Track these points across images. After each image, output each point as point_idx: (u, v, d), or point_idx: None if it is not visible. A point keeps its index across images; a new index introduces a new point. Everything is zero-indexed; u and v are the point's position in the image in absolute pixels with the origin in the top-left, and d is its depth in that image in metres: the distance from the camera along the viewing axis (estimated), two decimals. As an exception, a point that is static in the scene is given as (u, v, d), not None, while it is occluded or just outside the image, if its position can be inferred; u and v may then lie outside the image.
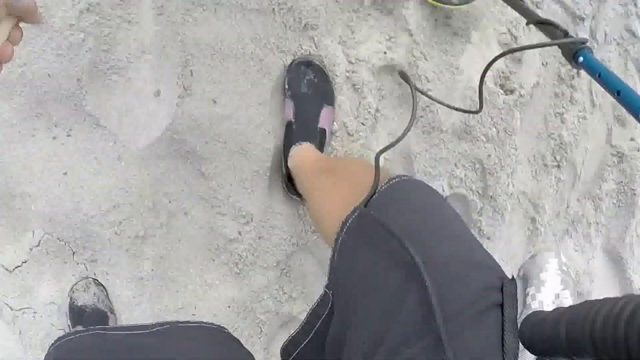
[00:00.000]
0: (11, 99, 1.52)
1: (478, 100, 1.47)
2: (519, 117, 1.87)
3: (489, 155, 1.84)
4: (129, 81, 1.58)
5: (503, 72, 1.81)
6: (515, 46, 1.81)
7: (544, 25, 1.15)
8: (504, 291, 0.68)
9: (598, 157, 2.14)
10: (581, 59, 1.03)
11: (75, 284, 1.61)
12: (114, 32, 1.52)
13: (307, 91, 1.56)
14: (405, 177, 0.91)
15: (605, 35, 2.02)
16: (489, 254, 0.77)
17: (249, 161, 1.64)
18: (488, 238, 1.97)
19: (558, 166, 2.02)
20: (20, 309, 1.63)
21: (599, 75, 0.97)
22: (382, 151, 1.04)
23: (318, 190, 1.24)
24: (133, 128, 1.60)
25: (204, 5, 1.54)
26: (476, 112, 1.55)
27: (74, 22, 1.47)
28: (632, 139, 2.12)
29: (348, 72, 1.67)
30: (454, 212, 0.86)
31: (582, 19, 1.94)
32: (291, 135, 1.59)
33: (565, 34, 1.08)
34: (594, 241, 2.21)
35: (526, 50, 1.84)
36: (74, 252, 1.63)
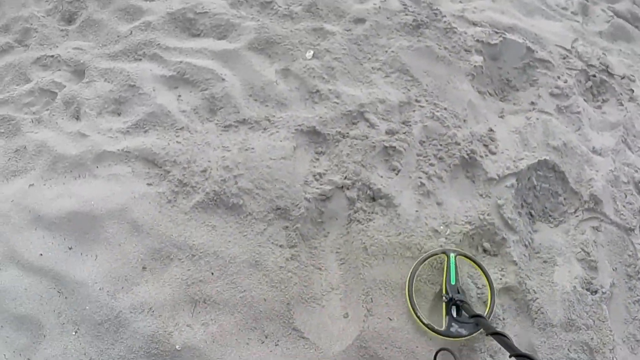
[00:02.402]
0: (232, 314, 2.63)
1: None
2: (606, 309, 3.00)
3: (592, 339, 2.89)
4: (324, 307, 2.71)
5: (585, 279, 3.02)
6: (590, 258, 3.05)
7: (522, 357, 1.80)
8: None
9: (677, 327, 3.24)
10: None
11: None
12: (309, 274, 2.75)
13: None
14: None
15: None
16: None
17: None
18: (604, 406, 2.88)
19: None
20: None
21: None
22: None
23: None
24: (329, 339, 2.63)
25: (376, 255, 2.84)
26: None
27: (283, 265, 2.73)
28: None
29: (479, 294, 2.90)
30: None
31: (632, 230, 3.19)
32: None
33: None
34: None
35: (600, 259, 3.09)
36: None
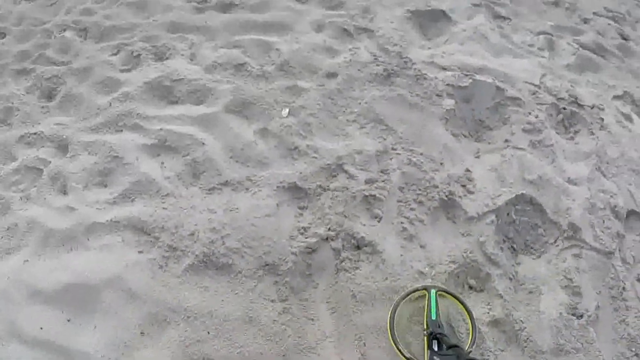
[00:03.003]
0: None
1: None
2: (593, 331, 3.16)
3: None
4: (319, 356, 2.84)
5: (570, 304, 3.22)
6: (573, 284, 3.27)
7: None
8: None
9: (667, 341, 3.43)
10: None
11: None
12: (302, 325, 2.92)
13: None
14: None
15: (634, 257, 3.49)
16: None
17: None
18: None
19: (636, 355, 3.22)
20: None
21: None
22: None
23: None
24: None
25: (365, 301, 3.01)
26: None
27: (277, 319, 2.90)
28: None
29: (468, 329, 3.08)
30: None
31: (612, 253, 3.43)
32: None
33: None
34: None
35: (583, 284, 3.30)
36: None
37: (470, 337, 2.89)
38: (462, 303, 2.97)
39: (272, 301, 2.96)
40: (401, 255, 3.14)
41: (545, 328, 3.06)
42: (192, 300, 2.93)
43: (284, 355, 2.82)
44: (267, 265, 3.05)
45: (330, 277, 3.11)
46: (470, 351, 2.80)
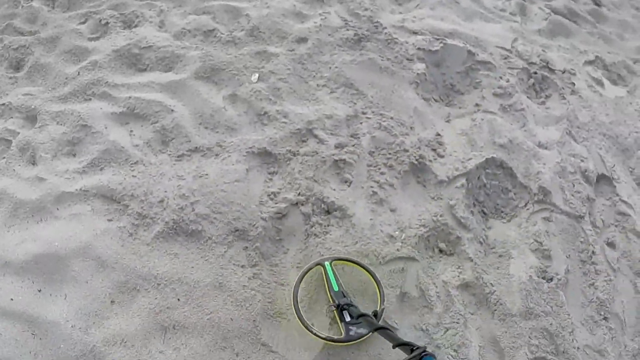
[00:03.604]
0: (202, 336, 2.73)
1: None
2: (562, 295, 3.17)
3: (551, 324, 3.05)
4: (289, 321, 2.81)
5: (540, 268, 3.22)
6: (543, 248, 3.26)
7: (402, 346, 1.95)
8: None
9: (634, 304, 3.39)
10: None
11: None
12: (273, 291, 2.89)
13: None
14: None
15: (603, 221, 3.49)
16: None
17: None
18: (573, 385, 3.08)
19: (605, 318, 3.26)
20: None
21: None
22: None
23: None
24: (297, 351, 2.74)
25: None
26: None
27: (247, 284, 2.87)
28: (653, 286, 3.45)
29: (438, 292, 3.08)
30: None
31: (582, 217, 3.42)
32: None
33: (412, 349, 1.83)
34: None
35: (553, 248, 3.29)
36: None
37: (378, 297, 2.85)
38: (363, 267, 2.92)
39: (242, 267, 2.92)
40: (371, 219, 3.10)
41: (515, 291, 3.06)
42: (162, 268, 2.89)
43: (254, 321, 2.79)
44: (237, 231, 3.00)
45: (300, 242, 3.08)
46: (377, 312, 2.74)
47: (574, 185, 3.65)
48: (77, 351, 2.67)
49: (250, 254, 2.95)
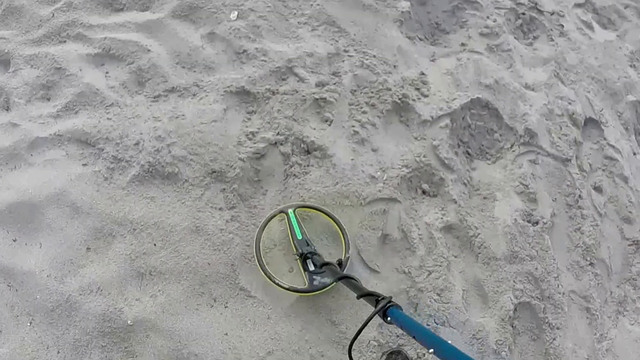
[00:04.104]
0: (179, 282, 2.67)
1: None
2: (548, 239, 3.10)
3: (536, 268, 3.01)
4: (268, 264, 2.69)
5: (526, 211, 3.13)
6: (529, 191, 3.17)
7: (367, 296, 1.79)
8: None
9: (620, 250, 3.35)
10: (389, 318, 1.60)
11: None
12: (251, 234, 2.80)
13: None
14: None
15: (590, 165, 3.39)
16: None
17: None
18: (558, 329, 3.00)
19: (591, 264, 3.22)
20: None
21: (414, 337, 1.49)
22: (352, 343, 1.66)
23: None
24: (276, 295, 2.70)
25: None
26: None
27: (224, 227, 2.78)
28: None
29: (421, 234, 2.99)
30: None
31: (568, 160, 3.32)
32: None
33: (377, 300, 1.66)
34: (644, 311, 3.26)
35: (539, 191, 3.20)
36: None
37: (343, 246, 2.77)
38: (327, 214, 2.83)
39: (220, 209, 2.83)
40: (352, 159, 3.00)
41: (500, 234, 2.99)
42: (138, 212, 2.80)
43: (232, 265, 2.72)
44: (214, 172, 2.90)
45: (279, 183, 2.98)
46: (342, 261, 2.70)
47: (561, 128, 3.55)
48: (53, 301, 2.60)
49: (228, 196, 2.86)
